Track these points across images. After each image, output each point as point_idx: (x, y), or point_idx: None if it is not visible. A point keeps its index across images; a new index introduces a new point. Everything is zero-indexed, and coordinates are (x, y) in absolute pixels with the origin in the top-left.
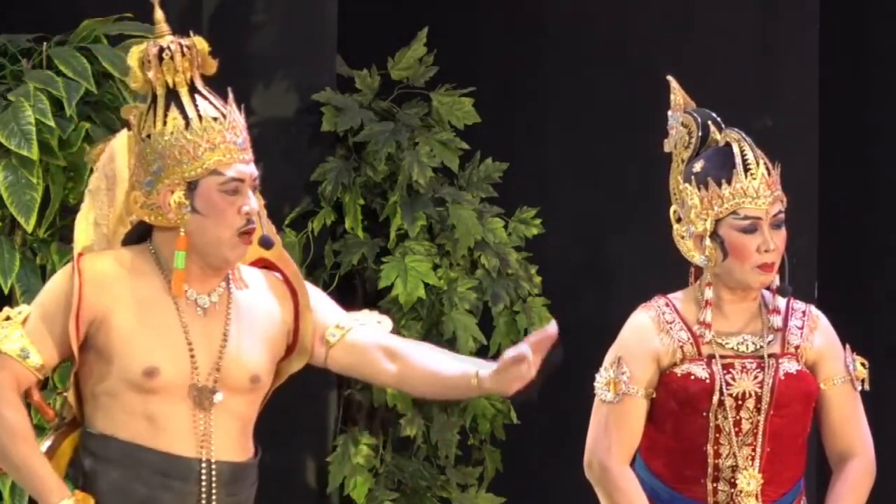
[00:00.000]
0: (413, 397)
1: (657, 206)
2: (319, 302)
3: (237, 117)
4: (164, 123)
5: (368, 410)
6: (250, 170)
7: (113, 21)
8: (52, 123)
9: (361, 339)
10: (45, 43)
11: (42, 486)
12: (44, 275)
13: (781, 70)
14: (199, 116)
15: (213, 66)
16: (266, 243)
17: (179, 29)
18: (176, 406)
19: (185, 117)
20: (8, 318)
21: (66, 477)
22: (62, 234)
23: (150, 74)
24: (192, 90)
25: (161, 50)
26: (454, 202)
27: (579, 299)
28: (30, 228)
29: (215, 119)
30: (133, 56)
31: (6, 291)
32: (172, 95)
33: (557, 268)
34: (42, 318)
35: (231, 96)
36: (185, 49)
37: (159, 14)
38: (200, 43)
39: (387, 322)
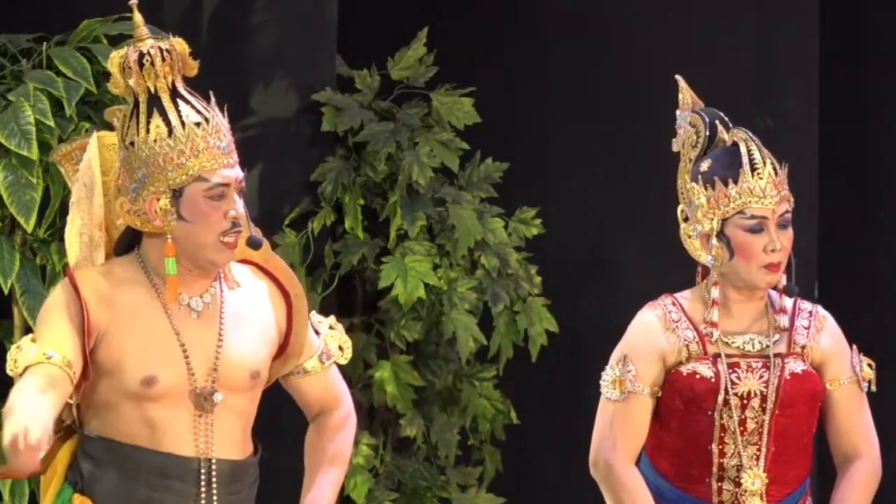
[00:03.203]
0: (413, 397)
1: (658, 205)
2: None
3: (220, 120)
4: (147, 131)
5: (368, 410)
6: (235, 173)
7: (113, 21)
8: (52, 123)
9: (315, 390)
10: (45, 43)
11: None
12: (44, 275)
13: (781, 70)
14: (182, 123)
15: (193, 68)
16: (254, 244)
17: (179, 30)
18: (176, 411)
19: (168, 124)
20: (19, 347)
21: (66, 481)
22: (62, 234)
23: (132, 81)
24: (174, 94)
25: (141, 55)
26: (454, 202)
27: (579, 299)
28: (30, 228)
29: (198, 124)
30: (113, 62)
31: (6, 291)
32: (154, 101)
33: (557, 268)
34: (52, 328)
35: (213, 99)
36: (164, 53)
37: (138, 17)
38: (181, 45)
39: (339, 328)
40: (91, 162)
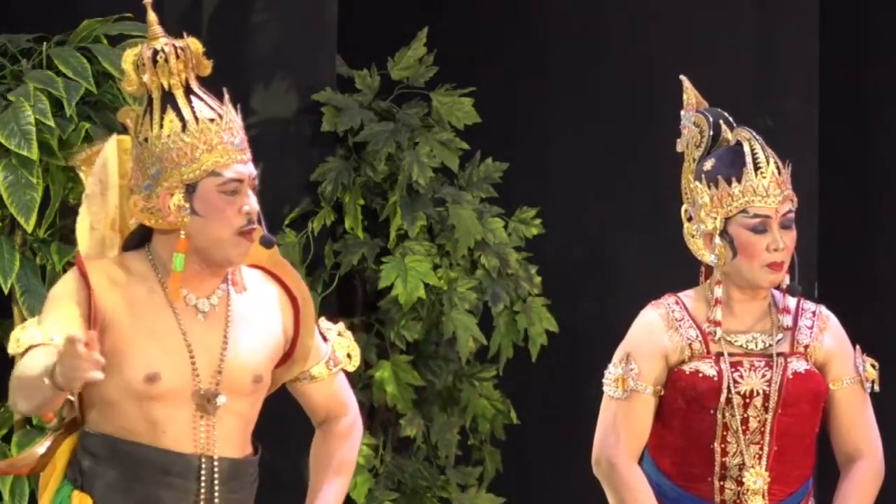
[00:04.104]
0: (413, 397)
1: (657, 205)
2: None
3: (234, 117)
4: (161, 126)
5: (368, 410)
6: (248, 170)
7: (113, 21)
8: (52, 123)
9: (321, 396)
10: (45, 43)
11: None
12: (44, 275)
13: (781, 70)
14: (196, 118)
15: (207, 68)
16: (267, 242)
17: (179, 29)
18: (177, 410)
19: (182, 119)
20: (24, 328)
21: (65, 477)
22: (62, 234)
23: (145, 78)
24: (188, 92)
25: (155, 53)
26: (454, 202)
27: (579, 299)
28: (30, 228)
29: (212, 120)
30: (127, 59)
31: (6, 291)
32: (168, 98)
33: (557, 268)
34: (57, 314)
35: (227, 96)
36: (179, 51)
37: (152, 16)
38: (194, 44)
39: (347, 335)
40: (107, 160)
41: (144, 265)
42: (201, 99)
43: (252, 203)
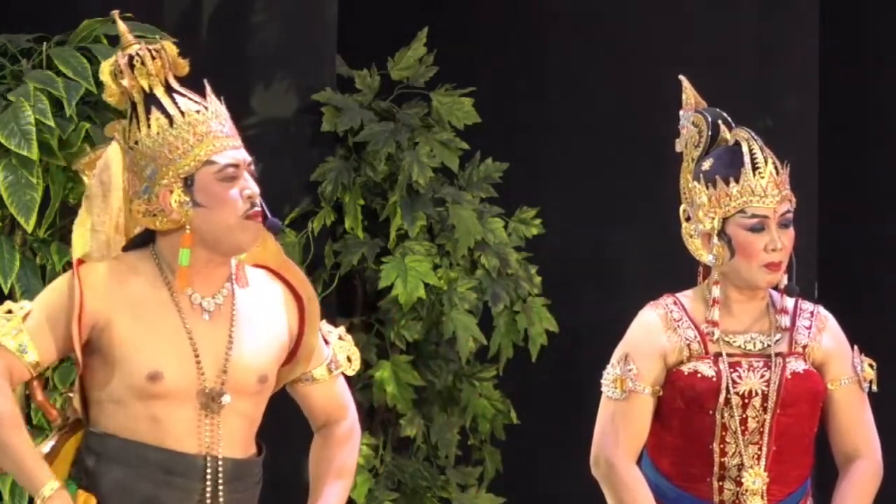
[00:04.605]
0: (413, 397)
1: (657, 205)
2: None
3: (219, 107)
4: (149, 126)
5: (368, 410)
6: (242, 155)
7: (113, 21)
8: (52, 123)
9: (321, 399)
10: (45, 43)
11: (30, 471)
12: (44, 275)
13: (781, 70)
14: (181, 112)
15: (184, 68)
16: (273, 226)
17: (179, 29)
18: (181, 409)
19: (168, 116)
20: (10, 312)
21: (69, 476)
22: (62, 234)
23: (125, 83)
24: (169, 90)
25: (131, 58)
26: (454, 202)
27: (579, 299)
28: (30, 228)
29: (198, 111)
30: (104, 70)
31: (6, 291)
32: (151, 99)
33: (557, 268)
34: (43, 317)
35: (209, 88)
36: (154, 53)
37: (122, 26)
38: (169, 46)
39: (348, 338)
40: (111, 162)
41: (149, 264)
42: (183, 95)
43: (252, 186)
